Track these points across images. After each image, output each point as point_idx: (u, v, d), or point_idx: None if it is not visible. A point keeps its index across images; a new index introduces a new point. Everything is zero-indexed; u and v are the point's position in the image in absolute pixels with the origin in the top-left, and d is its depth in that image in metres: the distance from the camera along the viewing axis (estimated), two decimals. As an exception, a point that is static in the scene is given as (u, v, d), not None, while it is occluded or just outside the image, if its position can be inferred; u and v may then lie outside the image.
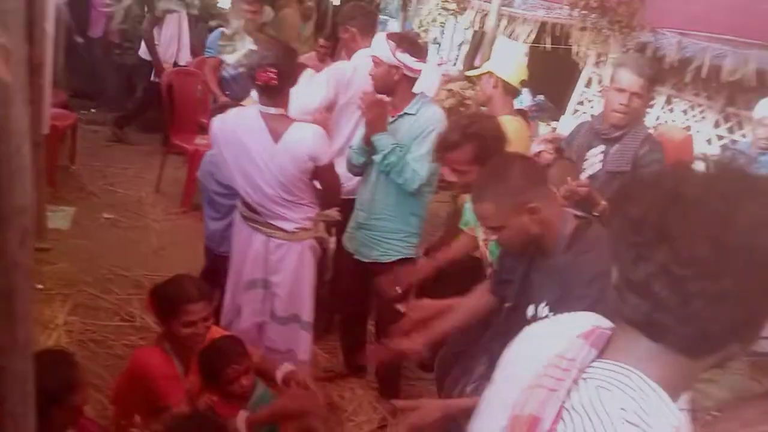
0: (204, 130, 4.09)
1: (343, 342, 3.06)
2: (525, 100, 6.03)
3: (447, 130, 2.24)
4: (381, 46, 2.50)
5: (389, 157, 2.45)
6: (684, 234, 0.68)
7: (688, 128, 4.50)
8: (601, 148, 2.52)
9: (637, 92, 2.41)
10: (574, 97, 5.20)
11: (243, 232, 2.52)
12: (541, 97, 6.06)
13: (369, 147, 2.52)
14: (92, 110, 5.63)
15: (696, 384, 0.83)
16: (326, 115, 2.97)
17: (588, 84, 5.05)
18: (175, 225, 4.32)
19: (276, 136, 2.32)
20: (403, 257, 2.64)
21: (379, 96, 2.53)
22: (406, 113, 2.55)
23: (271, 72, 2.23)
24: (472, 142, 2.07)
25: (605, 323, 0.85)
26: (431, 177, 2.53)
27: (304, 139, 2.30)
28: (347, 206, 2.79)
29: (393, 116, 2.57)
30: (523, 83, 2.93)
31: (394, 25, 6.51)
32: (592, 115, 4.01)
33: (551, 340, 0.84)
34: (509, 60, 3.12)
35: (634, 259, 0.72)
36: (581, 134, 2.67)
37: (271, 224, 2.44)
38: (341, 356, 3.06)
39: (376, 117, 2.46)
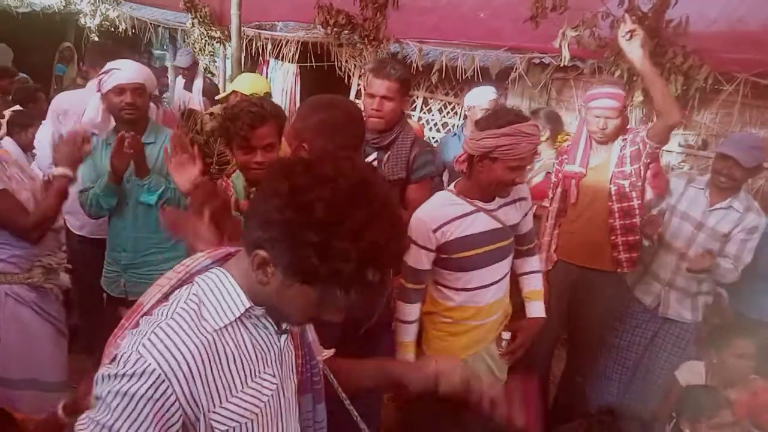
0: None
1: None
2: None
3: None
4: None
5: (166, 194, 2.45)
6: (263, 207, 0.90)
7: (445, 124, 5.10)
8: (374, 155, 2.52)
9: (386, 95, 2.41)
10: (348, 109, 5.55)
11: None
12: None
13: (117, 185, 2.45)
14: None
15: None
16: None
17: (358, 95, 5.45)
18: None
19: None
20: None
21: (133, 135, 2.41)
22: (146, 143, 2.50)
23: None
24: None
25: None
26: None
27: None
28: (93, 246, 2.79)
29: None
30: (268, 95, 3.08)
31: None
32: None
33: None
34: (246, 77, 3.32)
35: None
36: None
37: None
38: None
39: (132, 158, 2.38)
